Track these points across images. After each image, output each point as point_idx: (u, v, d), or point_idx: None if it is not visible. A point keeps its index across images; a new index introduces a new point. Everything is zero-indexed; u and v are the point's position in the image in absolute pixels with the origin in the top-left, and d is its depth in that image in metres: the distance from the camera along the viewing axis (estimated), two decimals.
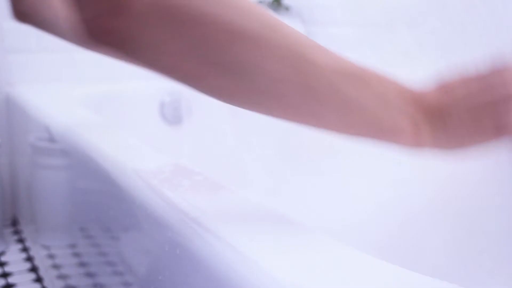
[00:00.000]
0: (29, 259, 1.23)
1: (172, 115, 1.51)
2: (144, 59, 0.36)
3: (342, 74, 0.37)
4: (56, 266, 1.17)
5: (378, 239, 1.07)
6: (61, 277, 1.12)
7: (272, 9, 1.55)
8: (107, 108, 1.21)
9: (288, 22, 0.38)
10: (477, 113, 0.37)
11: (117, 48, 0.35)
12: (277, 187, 1.42)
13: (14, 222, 1.42)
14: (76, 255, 0.99)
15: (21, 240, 1.33)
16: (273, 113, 0.39)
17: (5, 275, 1.15)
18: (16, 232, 1.38)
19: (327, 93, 0.37)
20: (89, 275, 0.89)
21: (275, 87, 0.36)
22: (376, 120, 0.37)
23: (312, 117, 0.38)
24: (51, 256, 1.22)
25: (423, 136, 0.39)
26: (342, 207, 1.24)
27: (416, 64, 1.19)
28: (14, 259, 1.23)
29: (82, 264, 0.95)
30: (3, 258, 1.22)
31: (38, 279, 1.13)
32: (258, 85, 0.36)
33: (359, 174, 1.29)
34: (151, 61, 0.36)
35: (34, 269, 1.18)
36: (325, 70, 0.36)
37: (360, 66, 0.38)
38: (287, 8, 1.57)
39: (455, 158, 0.38)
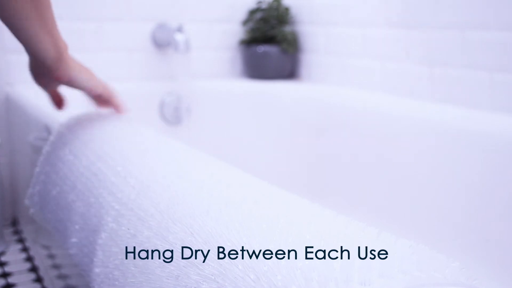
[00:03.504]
0: (29, 259, 1.23)
1: (172, 115, 1.51)
2: None
3: None
4: (56, 266, 1.17)
5: None
6: (61, 277, 1.12)
7: (272, 9, 1.55)
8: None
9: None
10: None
11: None
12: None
13: (14, 222, 1.43)
14: None
15: (21, 240, 1.33)
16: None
17: (5, 275, 1.15)
18: (16, 232, 1.38)
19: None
20: None
21: None
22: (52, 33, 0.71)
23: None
24: (51, 256, 1.22)
25: (61, 62, 0.75)
26: None
27: None
28: (14, 259, 1.23)
29: None
30: (3, 258, 1.23)
31: (38, 279, 1.13)
32: None
33: None
34: None
35: (34, 269, 1.18)
36: None
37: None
38: (287, 8, 1.57)
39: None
